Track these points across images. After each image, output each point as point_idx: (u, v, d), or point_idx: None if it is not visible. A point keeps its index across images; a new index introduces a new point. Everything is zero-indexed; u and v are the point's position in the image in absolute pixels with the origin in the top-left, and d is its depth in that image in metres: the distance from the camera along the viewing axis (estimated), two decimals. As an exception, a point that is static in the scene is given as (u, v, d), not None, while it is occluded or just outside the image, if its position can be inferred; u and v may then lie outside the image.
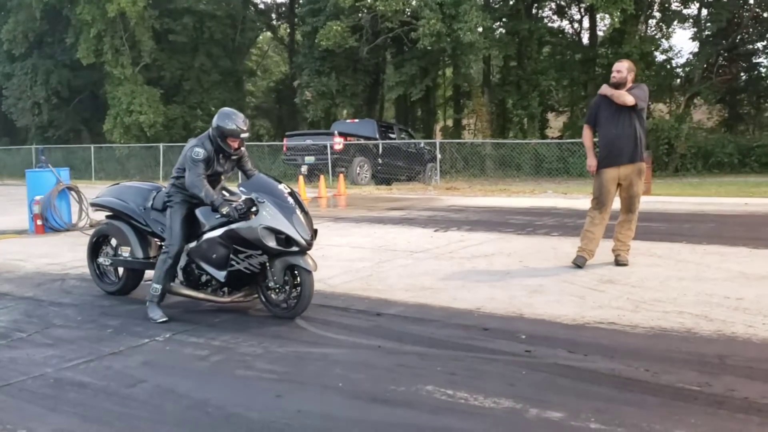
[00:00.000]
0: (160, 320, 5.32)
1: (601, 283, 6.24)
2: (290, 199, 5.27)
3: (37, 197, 10.61)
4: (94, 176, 25.81)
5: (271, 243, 5.12)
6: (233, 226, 5.21)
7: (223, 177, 5.79)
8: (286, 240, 5.14)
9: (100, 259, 6.39)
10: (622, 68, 6.78)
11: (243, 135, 5.42)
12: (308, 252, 5.31)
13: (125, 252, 6.06)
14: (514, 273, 6.78)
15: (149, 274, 5.93)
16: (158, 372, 4.24)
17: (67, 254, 8.48)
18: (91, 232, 6.66)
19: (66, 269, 7.54)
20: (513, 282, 6.37)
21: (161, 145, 24.90)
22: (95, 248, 6.41)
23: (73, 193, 11.05)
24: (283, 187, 5.36)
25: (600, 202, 6.93)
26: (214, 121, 5.42)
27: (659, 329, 4.77)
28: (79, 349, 4.71)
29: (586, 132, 7.14)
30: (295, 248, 5.17)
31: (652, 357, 4.19)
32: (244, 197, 5.23)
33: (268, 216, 5.13)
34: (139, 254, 5.96)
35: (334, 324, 5.17)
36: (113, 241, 6.25)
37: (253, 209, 5.16)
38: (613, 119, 6.78)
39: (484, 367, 4.11)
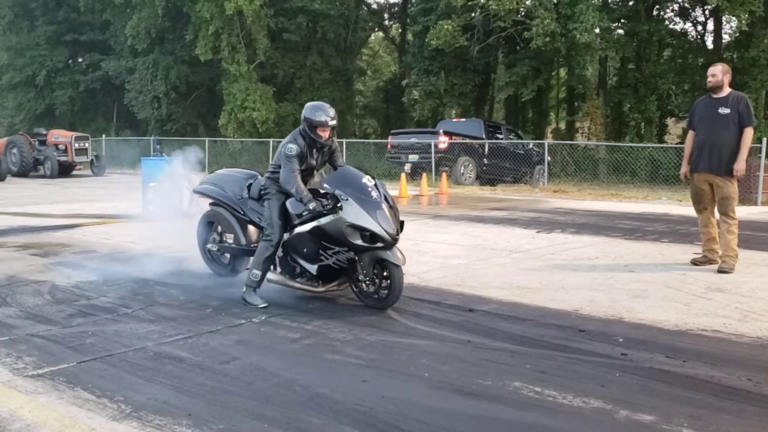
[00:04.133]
0: (260, 305, 5.44)
1: (709, 290, 5.94)
2: (374, 193, 5.25)
3: (151, 184, 11.11)
4: (208, 169, 26.77)
5: (357, 240, 5.13)
6: (320, 222, 5.25)
7: (315, 172, 5.86)
8: (370, 236, 5.13)
9: (209, 245, 6.59)
10: (716, 71, 6.87)
11: (331, 123, 5.47)
12: (396, 246, 5.29)
13: (229, 239, 6.24)
14: (618, 277, 6.56)
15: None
16: (251, 351, 4.36)
17: (175, 238, 8.79)
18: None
19: (173, 252, 7.84)
20: (615, 286, 6.17)
21: (271, 141, 25.59)
22: (206, 233, 6.63)
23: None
24: (367, 180, 5.34)
25: (696, 203, 7.07)
26: (303, 115, 5.51)
27: (767, 340, 4.50)
28: (179, 326, 4.90)
29: (688, 137, 7.17)
30: (380, 244, 5.17)
31: (756, 367, 3.96)
32: (329, 193, 5.27)
33: (352, 213, 5.11)
34: (242, 241, 6.12)
35: (425, 317, 5.16)
36: (219, 228, 6.46)
37: (339, 205, 5.17)
38: (704, 124, 6.86)
39: (576, 368, 4.00)
